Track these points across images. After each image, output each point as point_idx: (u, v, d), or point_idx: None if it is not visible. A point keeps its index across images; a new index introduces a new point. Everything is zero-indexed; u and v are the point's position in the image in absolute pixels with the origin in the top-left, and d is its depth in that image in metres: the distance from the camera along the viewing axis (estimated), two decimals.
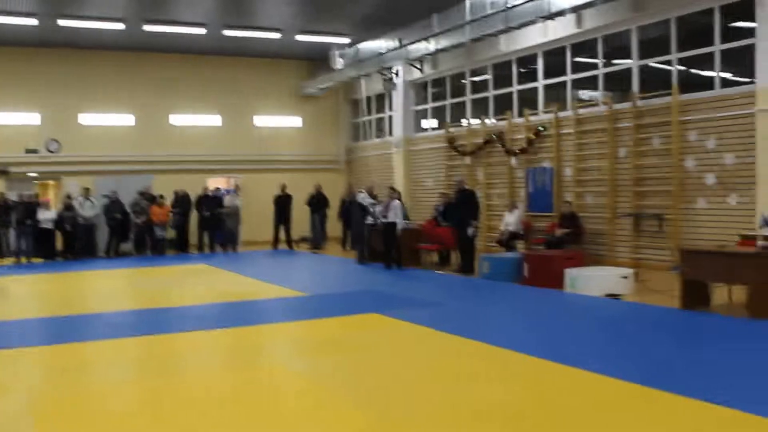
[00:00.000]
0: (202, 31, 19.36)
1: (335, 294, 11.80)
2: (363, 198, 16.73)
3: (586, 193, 15.56)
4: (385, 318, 9.41)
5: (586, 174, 15.55)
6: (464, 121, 19.48)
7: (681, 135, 13.64)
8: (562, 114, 16.28)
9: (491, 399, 5.74)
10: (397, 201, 15.13)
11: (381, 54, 19.82)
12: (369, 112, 24.27)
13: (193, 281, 14.14)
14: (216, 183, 23.81)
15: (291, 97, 24.77)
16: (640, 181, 14.35)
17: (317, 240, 21.47)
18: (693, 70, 13.93)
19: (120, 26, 18.75)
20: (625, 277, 11.01)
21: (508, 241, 15.64)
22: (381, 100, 23.42)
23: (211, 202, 20.56)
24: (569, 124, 15.96)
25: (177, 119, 23.24)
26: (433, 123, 21.42)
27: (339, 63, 21.93)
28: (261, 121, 24.40)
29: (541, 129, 16.55)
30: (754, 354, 7.16)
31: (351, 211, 17.82)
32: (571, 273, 11.31)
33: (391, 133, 22.92)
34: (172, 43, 21.30)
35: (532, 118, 17.13)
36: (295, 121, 24.92)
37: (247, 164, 24.06)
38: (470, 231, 13.95)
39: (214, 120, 23.75)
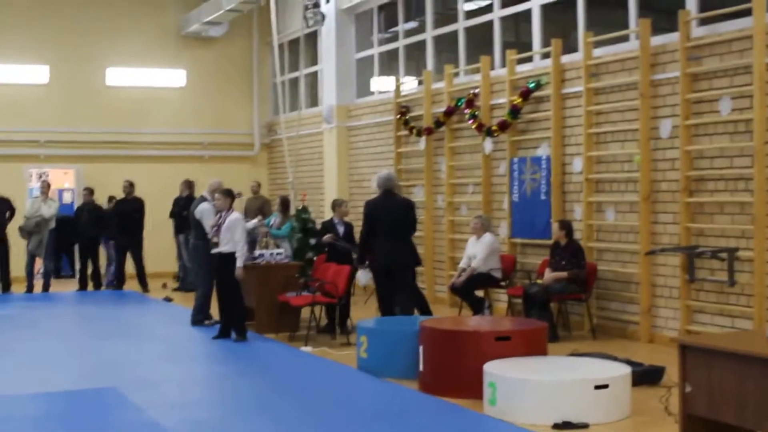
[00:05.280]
0: None
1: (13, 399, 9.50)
2: (202, 210, 13.66)
3: (606, 204, 13.11)
4: None
5: (607, 169, 13.14)
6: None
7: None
8: (568, 58, 13.78)
9: None
10: (236, 215, 12.51)
11: None
12: (294, 66, 21.86)
13: None
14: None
15: (167, 38, 22.59)
16: (698, 183, 11.74)
17: (184, 278, 18.79)
18: None
19: None
20: (603, 387, 8.14)
21: (469, 287, 13.50)
22: (314, 45, 21.43)
23: None
24: (579, 78, 13.41)
25: None
26: (384, 82, 19.25)
27: None
28: (117, 76, 22.23)
29: (533, 85, 14.11)
30: None
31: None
32: (492, 374, 8.41)
33: (319, 101, 21.09)
34: None
35: (521, 67, 14.78)
36: (175, 78, 22.74)
37: (92, 147, 21.84)
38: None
39: (38, 74, 21.58)
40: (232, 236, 12.17)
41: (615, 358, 9.34)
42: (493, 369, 8.35)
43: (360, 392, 9.59)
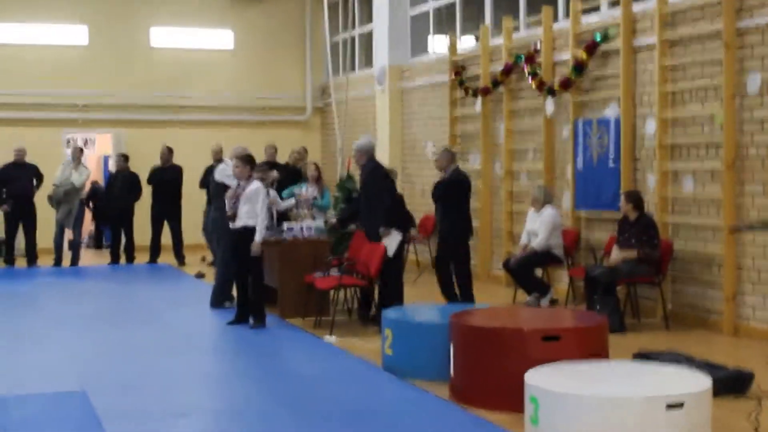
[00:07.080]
0: None
1: None
2: (223, 171, 12.70)
3: (683, 173, 12.03)
4: None
5: (685, 132, 12.03)
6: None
7: None
8: (639, 6, 12.70)
9: None
10: (257, 184, 11.38)
11: None
12: (349, 24, 21.03)
13: None
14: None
15: None
16: None
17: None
18: None
19: None
20: (677, 407, 6.61)
21: (526, 266, 12.59)
22: (368, 2, 20.55)
23: (15, 173, 17.36)
24: (652, 28, 12.37)
25: (5, 32, 20.60)
26: (440, 40, 18.24)
27: None
28: (162, 37, 21.62)
29: (600, 38, 13.07)
30: None
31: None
32: (534, 386, 6.89)
33: (371, 62, 20.11)
34: None
35: (587, 18, 13.74)
36: (223, 40, 22.13)
37: (133, 112, 21.23)
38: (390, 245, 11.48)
39: (77, 35, 21.00)
40: (252, 208, 11.03)
41: (692, 360, 7.88)
42: (536, 379, 6.83)
43: (376, 399, 8.29)
